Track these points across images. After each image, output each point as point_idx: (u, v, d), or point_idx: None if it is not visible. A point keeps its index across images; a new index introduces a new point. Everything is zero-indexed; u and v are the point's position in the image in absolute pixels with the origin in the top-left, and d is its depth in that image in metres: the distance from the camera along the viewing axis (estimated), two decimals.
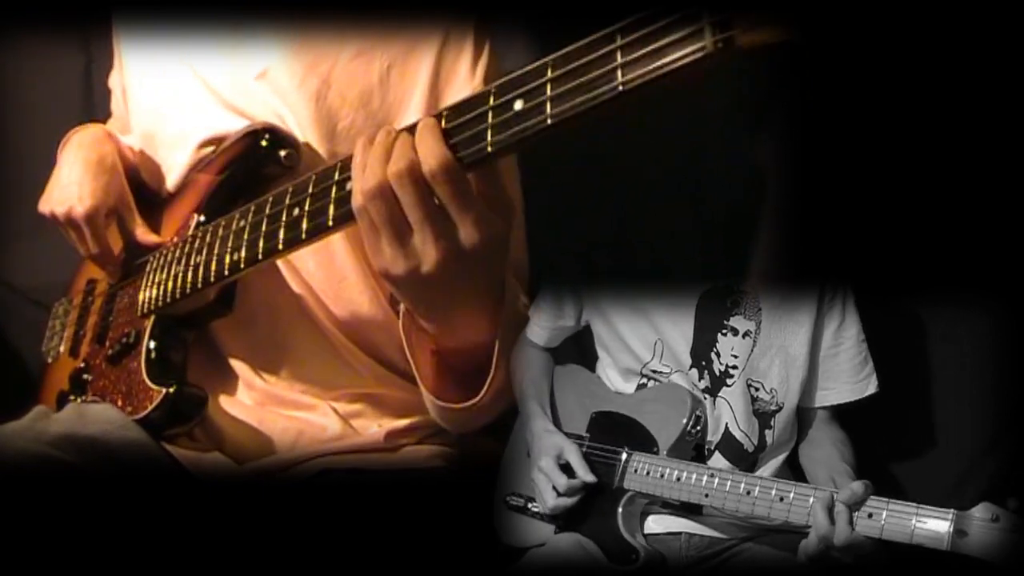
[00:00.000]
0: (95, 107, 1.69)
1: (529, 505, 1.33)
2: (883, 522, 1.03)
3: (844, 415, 1.37)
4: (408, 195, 0.79)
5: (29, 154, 1.57)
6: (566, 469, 1.27)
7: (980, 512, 1.00)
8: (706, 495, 1.18)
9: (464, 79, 1.18)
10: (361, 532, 1.10)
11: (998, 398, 1.36)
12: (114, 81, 1.40)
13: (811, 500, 1.09)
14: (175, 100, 1.23)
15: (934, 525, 1.01)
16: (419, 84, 1.17)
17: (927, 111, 1.28)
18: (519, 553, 1.29)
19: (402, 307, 0.95)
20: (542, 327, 1.46)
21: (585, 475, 1.25)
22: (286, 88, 1.17)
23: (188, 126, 1.22)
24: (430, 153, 0.78)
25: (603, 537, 1.25)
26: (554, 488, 1.27)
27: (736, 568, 1.24)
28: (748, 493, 1.14)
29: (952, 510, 0.99)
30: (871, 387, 1.33)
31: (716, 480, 1.17)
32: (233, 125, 1.19)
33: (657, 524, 1.28)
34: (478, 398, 0.97)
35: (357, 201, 0.82)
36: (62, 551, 0.96)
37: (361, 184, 0.81)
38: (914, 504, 1.01)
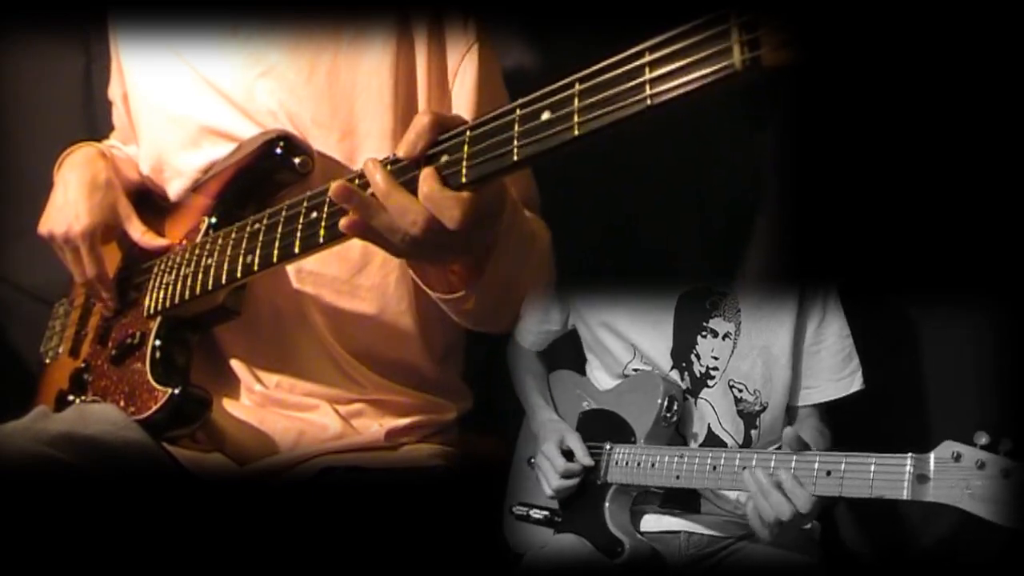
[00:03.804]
0: (95, 107, 1.69)
1: (531, 513, 1.36)
2: (843, 476, 1.02)
3: (836, 413, 1.38)
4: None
5: (29, 153, 1.56)
6: (567, 455, 1.30)
7: (939, 452, 0.95)
8: (677, 476, 1.21)
9: (464, 72, 1.19)
10: (362, 530, 1.11)
11: (999, 396, 1.37)
12: (114, 92, 1.39)
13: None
14: (180, 103, 1.23)
15: (892, 471, 0.98)
16: (419, 77, 1.18)
17: (924, 112, 1.29)
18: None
19: None
20: (529, 330, 1.50)
21: (583, 458, 1.29)
22: (294, 83, 1.17)
23: (196, 128, 1.22)
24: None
25: (593, 532, 1.28)
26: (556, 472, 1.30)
27: (734, 566, 1.27)
28: (714, 468, 1.17)
29: (910, 453, 0.97)
30: (856, 384, 1.34)
31: (685, 460, 1.19)
32: (241, 126, 1.19)
33: (656, 523, 1.31)
34: (482, 278, 0.98)
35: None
36: (61, 551, 0.95)
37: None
38: (872, 454, 1.01)
